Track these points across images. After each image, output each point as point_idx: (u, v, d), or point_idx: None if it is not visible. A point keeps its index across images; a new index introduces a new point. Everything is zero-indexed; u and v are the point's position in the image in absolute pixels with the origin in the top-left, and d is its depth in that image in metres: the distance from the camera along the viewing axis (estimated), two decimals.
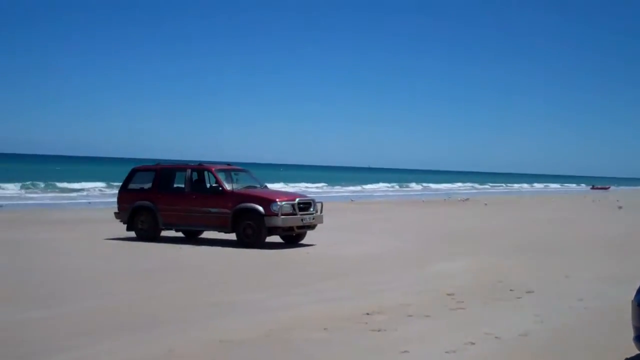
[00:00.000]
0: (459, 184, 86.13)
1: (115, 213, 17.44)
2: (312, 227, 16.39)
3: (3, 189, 38.60)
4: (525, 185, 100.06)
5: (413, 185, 75.04)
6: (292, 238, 16.29)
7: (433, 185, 77.20)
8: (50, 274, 11.40)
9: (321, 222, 16.67)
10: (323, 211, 16.84)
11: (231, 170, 17.10)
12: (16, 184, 40.76)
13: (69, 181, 45.52)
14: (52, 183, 43.30)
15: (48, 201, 33.29)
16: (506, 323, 8.09)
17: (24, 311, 8.39)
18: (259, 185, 17.11)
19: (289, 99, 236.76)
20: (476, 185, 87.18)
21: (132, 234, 16.84)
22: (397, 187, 69.98)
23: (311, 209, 16.27)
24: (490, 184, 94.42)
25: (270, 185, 20.81)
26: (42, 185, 41.51)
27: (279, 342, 7.05)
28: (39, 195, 37.04)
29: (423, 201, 42.24)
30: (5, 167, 73.82)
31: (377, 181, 74.27)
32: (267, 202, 15.51)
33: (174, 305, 8.87)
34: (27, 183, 41.02)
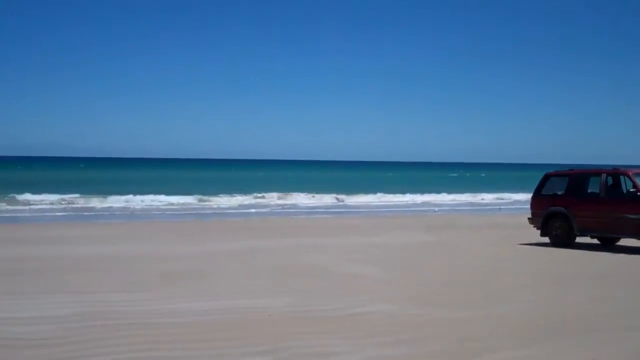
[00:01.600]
0: None
1: (528, 219, 17.79)
2: None
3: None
4: None
5: None
6: None
7: None
8: (472, 275, 12.20)
9: None
10: None
11: None
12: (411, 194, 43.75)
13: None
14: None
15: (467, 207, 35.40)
16: None
17: (461, 309, 9.10)
18: None
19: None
20: None
21: (546, 239, 17.03)
22: None
23: None
24: None
25: None
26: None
27: None
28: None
29: None
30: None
31: None
32: None
33: (593, 314, 8.88)
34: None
